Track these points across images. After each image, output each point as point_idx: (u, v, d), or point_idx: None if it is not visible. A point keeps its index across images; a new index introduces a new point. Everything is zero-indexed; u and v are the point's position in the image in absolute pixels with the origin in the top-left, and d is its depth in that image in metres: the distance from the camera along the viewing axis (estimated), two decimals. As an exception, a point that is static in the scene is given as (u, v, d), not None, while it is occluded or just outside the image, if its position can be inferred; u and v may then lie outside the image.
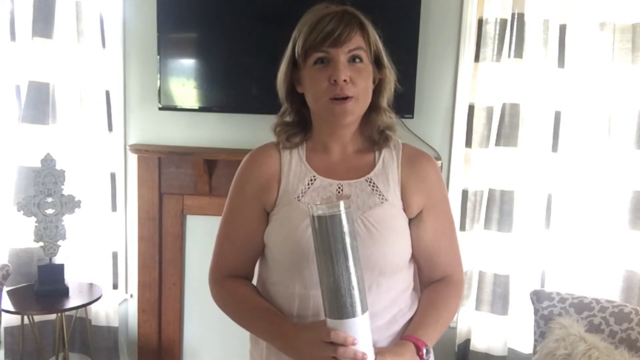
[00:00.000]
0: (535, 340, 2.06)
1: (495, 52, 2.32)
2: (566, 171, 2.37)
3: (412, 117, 2.33)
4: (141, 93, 2.51)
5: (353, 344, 0.96)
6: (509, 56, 2.31)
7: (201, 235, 2.56)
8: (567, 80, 2.31)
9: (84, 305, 2.25)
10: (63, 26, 2.33)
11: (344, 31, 1.08)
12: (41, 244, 2.26)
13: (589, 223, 2.39)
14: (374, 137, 1.19)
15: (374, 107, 1.18)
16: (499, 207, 2.37)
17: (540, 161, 2.38)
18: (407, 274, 1.19)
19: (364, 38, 1.12)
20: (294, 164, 1.18)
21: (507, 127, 2.34)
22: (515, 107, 2.33)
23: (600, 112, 2.32)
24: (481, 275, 2.44)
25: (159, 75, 2.39)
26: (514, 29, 2.28)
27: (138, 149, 2.46)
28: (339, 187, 1.15)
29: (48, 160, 2.24)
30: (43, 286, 2.26)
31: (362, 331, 0.97)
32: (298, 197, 1.14)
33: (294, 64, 1.15)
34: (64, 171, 2.28)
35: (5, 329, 2.36)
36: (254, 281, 1.25)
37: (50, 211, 2.26)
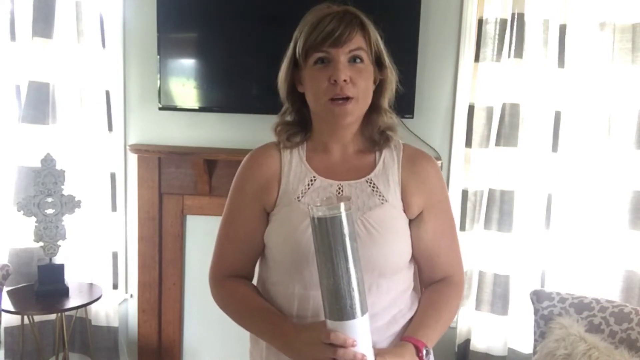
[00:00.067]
0: (535, 340, 2.06)
1: (495, 52, 2.32)
2: (566, 171, 2.37)
3: (412, 117, 2.33)
4: (141, 93, 2.51)
5: (353, 345, 0.96)
6: (509, 56, 2.31)
7: (201, 235, 2.56)
8: (567, 80, 2.31)
9: (84, 305, 2.25)
10: (63, 26, 2.33)
11: (344, 31, 1.08)
12: (41, 244, 2.26)
13: (589, 223, 2.39)
14: (374, 138, 1.19)
15: (374, 108, 1.17)
16: (499, 207, 2.37)
17: (540, 161, 2.38)
18: (407, 274, 1.19)
19: (365, 38, 1.12)
20: (294, 164, 1.18)
21: (507, 127, 2.34)
22: (515, 107, 2.33)
23: (600, 112, 2.32)
24: (481, 275, 2.44)
25: (159, 75, 2.39)
26: (514, 29, 2.28)
27: (138, 149, 2.46)
28: (339, 188, 1.15)
29: (48, 160, 2.24)
30: (43, 286, 2.26)
31: (362, 333, 0.97)
32: (298, 197, 1.14)
33: (294, 64, 1.15)
34: (64, 171, 2.28)
35: (5, 329, 2.36)
36: (254, 281, 1.26)
37: (50, 211, 2.26)
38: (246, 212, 1.18)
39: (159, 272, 2.58)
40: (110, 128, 2.43)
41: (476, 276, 2.45)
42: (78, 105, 2.40)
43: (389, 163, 1.19)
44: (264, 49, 2.31)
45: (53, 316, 2.39)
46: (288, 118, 1.22)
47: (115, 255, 2.53)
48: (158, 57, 2.38)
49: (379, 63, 1.16)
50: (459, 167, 2.46)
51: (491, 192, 2.39)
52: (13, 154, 2.34)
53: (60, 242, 2.29)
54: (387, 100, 1.18)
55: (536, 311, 2.06)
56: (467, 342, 2.49)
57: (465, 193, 2.44)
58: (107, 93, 2.41)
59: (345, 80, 1.08)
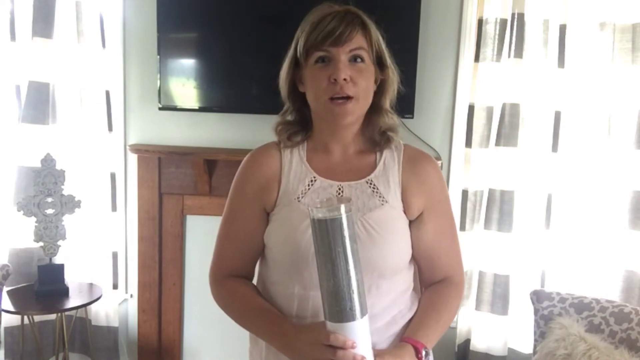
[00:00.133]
0: (535, 340, 2.06)
1: (495, 52, 2.32)
2: (566, 171, 2.37)
3: (412, 117, 2.33)
4: (141, 93, 2.51)
5: (352, 347, 0.96)
6: (509, 56, 2.31)
7: (201, 235, 2.56)
8: (567, 80, 2.31)
9: (84, 305, 2.25)
10: (63, 26, 2.33)
11: (345, 30, 1.08)
12: (41, 244, 2.26)
13: (589, 223, 2.39)
14: (375, 138, 1.19)
15: (375, 108, 1.17)
16: (499, 207, 2.37)
17: (540, 161, 2.38)
18: (407, 275, 1.19)
19: (366, 38, 1.11)
20: (295, 164, 1.18)
21: (507, 127, 2.34)
22: (515, 107, 2.33)
23: (600, 112, 2.32)
24: (481, 275, 2.44)
25: (159, 75, 2.39)
26: (514, 29, 2.28)
27: (138, 149, 2.46)
28: (339, 189, 1.15)
29: (48, 160, 2.24)
30: (43, 286, 2.26)
31: (362, 334, 0.97)
32: (298, 198, 1.14)
33: (296, 63, 1.15)
34: (64, 171, 2.28)
35: (5, 329, 2.36)
36: (254, 280, 1.25)
37: (50, 211, 2.26)
38: (246, 212, 1.18)
39: (159, 272, 2.58)
40: (110, 128, 2.43)
41: (476, 276, 2.45)
42: (78, 105, 2.40)
43: (390, 164, 1.18)
44: (264, 49, 2.31)
45: (53, 316, 2.39)
46: (289, 118, 1.22)
47: (115, 255, 2.53)
48: (158, 57, 2.38)
49: (380, 63, 1.15)
50: (459, 167, 2.46)
51: (491, 192, 2.39)
52: (13, 154, 2.34)
53: (60, 242, 2.29)
54: (388, 100, 1.18)
55: (536, 311, 2.06)
56: (467, 342, 2.49)
57: (465, 193, 2.44)
58: (107, 93, 2.41)
59: (345, 79, 1.08)
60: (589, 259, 2.39)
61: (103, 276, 2.46)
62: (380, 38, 1.15)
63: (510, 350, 2.47)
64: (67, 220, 2.31)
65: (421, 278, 1.24)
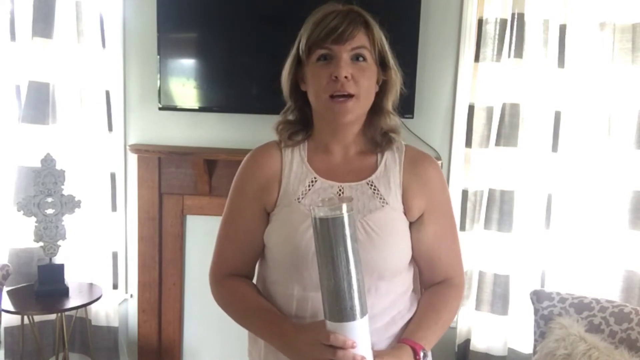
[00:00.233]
0: (535, 340, 2.06)
1: (495, 52, 2.32)
2: (566, 171, 2.37)
3: (412, 117, 2.33)
4: (141, 93, 2.51)
5: (352, 347, 0.96)
6: (509, 56, 2.31)
7: (201, 235, 2.56)
8: (567, 80, 2.31)
9: (84, 305, 2.25)
10: (63, 26, 2.33)
11: (347, 28, 1.08)
12: (41, 244, 2.26)
13: (589, 223, 2.39)
14: (376, 139, 1.18)
15: (377, 109, 1.17)
16: (499, 207, 2.37)
17: (540, 161, 2.38)
18: (407, 276, 1.19)
19: (369, 37, 1.11)
20: (295, 164, 1.17)
21: (507, 127, 2.33)
22: (515, 107, 2.33)
23: (600, 112, 2.32)
24: (481, 275, 2.44)
25: (159, 75, 2.39)
26: (514, 29, 2.28)
27: (138, 149, 2.46)
28: (340, 190, 1.15)
29: (48, 160, 2.24)
30: (43, 286, 2.26)
31: (362, 334, 0.97)
32: (298, 198, 1.14)
33: (298, 62, 1.15)
34: (64, 171, 2.28)
35: (5, 329, 2.36)
36: (254, 279, 1.25)
37: (50, 211, 2.26)
38: (246, 212, 1.18)
39: (159, 272, 2.58)
40: (110, 128, 2.43)
41: (476, 276, 2.45)
42: (78, 105, 2.40)
43: (391, 165, 1.18)
44: (264, 49, 2.31)
45: (53, 316, 2.39)
46: (290, 117, 1.21)
47: (115, 255, 2.53)
48: (158, 57, 2.38)
49: (383, 64, 1.15)
50: (459, 167, 2.46)
51: (491, 192, 2.39)
52: (13, 154, 2.34)
53: (60, 242, 2.29)
54: (390, 102, 1.17)
55: (536, 311, 2.06)
56: (467, 342, 2.49)
57: (465, 193, 2.44)
58: (107, 93, 2.41)
59: (346, 77, 1.07)
60: (589, 259, 2.39)
61: (103, 276, 2.46)
62: (384, 38, 1.14)
63: (510, 350, 2.47)
64: (67, 220, 2.31)
65: (421, 279, 1.24)
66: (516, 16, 2.27)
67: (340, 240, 0.94)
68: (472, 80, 2.39)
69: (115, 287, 2.53)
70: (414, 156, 1.20)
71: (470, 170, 2.42)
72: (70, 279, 2.38)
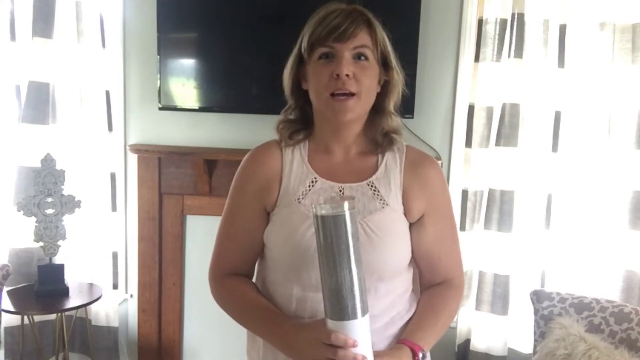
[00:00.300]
0: (535, 340, 2.06)
1: (495, 52, 2.32)
2: (566, 171, 2.37)
3: (412, 117, 2.33)
4: (141, 93, 2.51)
5: (354, 346, 0.95)
6: (509, 56, 2.31)
7: (201, 235, 2.56)
8: (567, 80, 2.31)
9: (84, 305, 2.25)
10: (63, 26, 2.33)
11: (349, 26, 1.07)
12: (41, 244, 2.26)
13: (589, 223, 2.39)
14: (377, 140, 1.18)
15: (378, 109, 1.16)
16: (499, 207, 2.37)
17: (540, 161, 2.38)
18: (406, 277, 1.19)
19: (371, 37, 1.11)
20: (296, 164, 1.17)
21: (507, 127, 2.33)
22: (515, 107, 2.33)
23: (600, 112, 2.32)
24: (481, 275, 2.44)
25: (159, 75, 2.39)
26: (514, 29, 2.28)
27: (138, 149, 2.46)
28: (340, 190, 1.14)
29: (48, 160, 2.24)
30: (43, 286, 2.26)
31: (363, 333, 0.97)
32: (298, 199, 1.13)
33: (300, 60, 1.15)
34: (64, 171, 2.28)
35: (5, 329, 2.36)
36: (254, 279, 1.25)
37: (50, 211, 2.26)
38: (246, 211, 1.18)
39: (159, 272, 2.58)
40: (110, 128, 2.43)
41: (476, 276, 2.45)
42: (78, 105, 2.40)
43: (391, 166, 1.17)
44: (264, 49, 2.31)
45: (53, 316, 2.39)
46: (291, 116, 1.21)
47: (115, 255, 2.53)
48: (158, 57, 2.38)
49: (385, 64, 1.14)
50: (459, 167, 2.46)
51: (491, 192, 2.39)
52: (13, 154, 2.34)
53: (60, 242, 2.29)
54: (392, 102, 1.17)
55: (536, 311, 2.06)
56: (467, 342, 2.49)
57: (465, 193, 2.44)
58: (107, 93, 2.41)
59: (347, 75, 1.07)
60: (589, 259, 2.39)
61: (103, 276, 2.46)
62: (386, 38, 1.14)
63: (510, 350, 2.47)
64: (67, 220, 2.31)
65: (421, 280, 1.24)
66: (516, 16, 2.27)
67: (342, 238, 0.94)
68: (472, 80, 2.39)
69: (115, 287, 2.53)
70: (415, 157, 1.20)
71: (470, 170, 2.42)
72: (70, 279, 2.38)
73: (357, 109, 1.11)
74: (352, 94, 1.08)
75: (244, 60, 2.36)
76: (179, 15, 2.37)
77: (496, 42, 2.31)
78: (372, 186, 1.15)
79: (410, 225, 1.17)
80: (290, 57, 1.17)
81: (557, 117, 2.32)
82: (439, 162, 2.41)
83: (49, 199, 2.25)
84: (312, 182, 1.15)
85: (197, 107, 2.44)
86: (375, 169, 1.17)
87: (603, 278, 2.36)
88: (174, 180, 2.52)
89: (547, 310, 2.03)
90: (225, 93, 2.43)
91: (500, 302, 2.40)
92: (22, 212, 2.21)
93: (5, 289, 2.21)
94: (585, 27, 2.30)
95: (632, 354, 1.82)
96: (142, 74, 2.49)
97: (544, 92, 2.33)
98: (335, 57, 1.08)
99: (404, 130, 2.41)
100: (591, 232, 2.38)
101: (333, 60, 1.08)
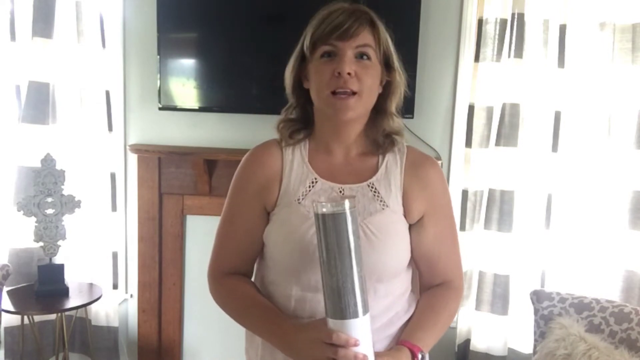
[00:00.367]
0: (535, 340, 2.06)
1: (495, 52, 2.32)
2: (566, 171, 2.37)
3: (412, 117, 2.33)
4: (141, 93, 2.51)
5: (356, 345, 0.95)
6: (509, 56, 2.31)
7: (201, 235, 2.56)
8: (567, 80, 2.31)
9: (84, 305, 2.25)
10: (63, 26, 2.33)
11: (352, 25, 1.07)
12: (41, 244, 2.26)
13: (589, 223, 2.39)
14: (378, 141, 1.18)
15: (380, 110, 1.16)
16: (499, 207, 2.37)
17: (540, 161, 2.38)
18: (405, 277, 1.19)
19: (374, 36, 1.11)
20: (296, 164, 1.17)
21: (507, 127, 2.33)
22: (515, 107, 2.33)
23: (600, 112, 2.32)
24: (481, 275, 2.44)
25: (159, 75, 2.39)
26: (514, 29, 2.28)
27: (138, 149, 2.46)
28: (340, 191, 1.14)
29: (48, 160, 2.24)
30: (43, 286, 2.26)
31: (364, 332, 0.97)
32: (298, 199, 1.13)
33: (302, 59, 1.14)
34: (64, 171, 2.28)
35: (5, 329, 2.36)
36: (252, 278, 1.25)
37: (50, 211, 2.26)
38: (246, 210, 1.17)
39: (159, 272, 2.58)
40: (110, 128, 2.43)
41: (476, 276, 2.45)
42: (78, 105, 2.40)
43: (392, 167, 1.17)
44: (264, 49, 2.31)
45: (53, 316, 2.39)
46: (291, 115, 1.21)
47: (115, 255, 2.53)
48: (158, 57, 2.38)
49: (387, 65, 1.14)
50: (459, 167, 2.46)
51: (491, 192, 2.39)
52: (13, 154, 2.34)
53: (60, 242, 2.29)
54: (394, 104, 1.17)
55: (536, 311, 2.06)
56: (467, 342, 2.49)
57: (465, 193, 2.44)
58: (107, 93, 2.41)
59: (349, 74, 1.06)
60: (589, 259, 2.39)
61: (103, 276, 2.46)
62: (389, 39, 1.14)
63: (510, 350, 2.47)
64: (67, 220, 2.31)
65: (420, 281, 1.24)
66: (516, 16, 2.27)
67: (343, 236, 0.94)
68: (472, 80, 2.39)
69: (115, 287, 2.53)
70: (416, 158, 1.20)
71: (470, 170, 2.42)
72: (70, 279, 2.38)
73: (358, 108, 1.11)
74: (353, 93, 1.08)
75: (244, 60, 2.36)
76: (179, 15, 2.37)
77: (496, 42, 2.31)
78: (372, 187, 1.14)
79: (411, 226, 1.16)
80: (292, 56, 1.16)
81: (557, 117, 2.33)
82: (439, 162, 2.41)
83: (49, 199, 2.25)
84: (313, 182, 1.15)
85: (197, 107, 2.44)
86: (375, 170, 1.17)
87: (603, 278, 2.36)
88: (174, 180, 2.52)
89: (547, 310, 2.03)
90: (225, 93, 2.43)
91: (500, 302, 2.40)
92: (22, 212, 2.21)
93: (5, 289, 2.21)
94: (585, 27, 2.30)
95: (632, 354, 1.82)
96: (142, 74, 2.49)
97: (544, 92, 2.33)
98: (338, 55, 1.08)
99: (405, 130, 2.41)
100: (591, 232, 2.38)
101: (335, 59, 1.08)
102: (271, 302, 1.15)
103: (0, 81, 2.36)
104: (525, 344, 2.43)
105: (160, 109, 2.42)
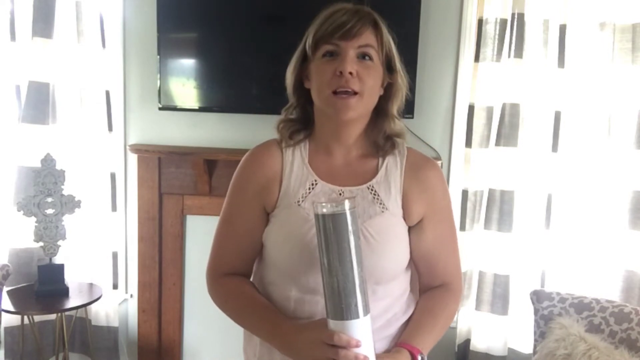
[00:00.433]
0: (535, 340, 2.06)
1: (495, 52, 2.32)
2: (566, 171, 2.37)
3: (412, 117, 2.33)
4: (141, 93, 2.51)
5: (357, 345, 0.95)
6: (509, 56, 2.31)
7: (201, 235, 2.56)
8: (567, 80, 2.31)
9: (84, 305, 2.25)
10: (63, 26, 2.33)
11: (355, 25, 1.07)
12: (41, 244, 2.26)
13: (589, 223, 2.39)
14: (379, 143, 1.17)
15: (381, 112, 1.16)
16: (499, 207, 2.37)
17: (540, 161, 2.38)
18: (404, 279, 1.19)
19: (377, 37, 1.10)
20: (296, 165, 1.16)
21: (507, 127, 2.34)
22: (515, 107, 2.33)
23: (600, 112, 2.32)
24: (481, 275, 2.44)
25: (159, 75, 2.39)
26: (514, 29, 2.28)
27: (138, 149, 2.46)
28: (340, 193, 1.14)
29: (48, 160, 2.24)
30: (43, 286, 2.26)
31: (365, 333, 0.97)
32: (298, 201, 1.13)
33: (304, 58, 1.14)
34: (64, 171, 2.28)
35: (5, 329, 2.36)
36: (251, 279, 1.25)
37: (50, 211, 2.26)
38: (246, 210, 1.17)
39: (159, 272, 2.58)
40: (110, 128, 2.43)
41: (476, 276, 2.45)
42: (78, 105, 2.40)
43: (392, 169, 1.17)
44: (264, 49, 2.31)
45: (53, 316, 2.39)
46: (292, 115, 1.20)
47: (115, 255, 2.53)
48: (158, 57, 2.38)
49: (389, 67, 1.14)
50: (459, 167, 2.46)
51: (491, 192, 2.39)
52: (13, 154, 2.34)
53: (60, 242, 2.29)
54: (395, 106, 1.16)
55: (536, 311, 2.05)
56: (467, 342, 2.49)
57: (465, 193, 2.44)
58: (107, 93, 2.41)
59: (351, 73, 1.06)
60: (589, 259, 2.39)
61: (103, 276, 2.46)
62: (392, 41, 1.14)
63: (510, 350, 2.47)
64: (67, 220, 2.31)
65: (420, 282, 1.24)
66: (516, 16, 2.27)
67: (344, 236, 0.94)
68: (472, 80, 2.39)
69: (115, 287, 2.53)
70: (416, 160, 1.19)
71: (470, 170, 2.42)
72: (70, 279, 2.38)
73: (359, 108, 1.10)
74: (354, 93, 1.07)
75: (244, 60, 2.36)
76: (179, 15, 2.37)
77: (496, 42, 2.31)
78: (372, 190, 1.14)
79: (410, 228, 1.16)
80: (294, 55, 1.16)
81: (557, 117, 2.33)
82: (439, 162, 2.41)
83: (49, 199, 2.25)
84: (312, 184, 1.14)
85: (197, 107, 2.44)
86: (375, 172, 1.17)
87: (603, 278, 2.36)
88: (174, 180, 2.52)
89: (547, 310, 2.03)
90: (225, 93, 2.43)
91: (500, 302, 2.40)
92: (22, 212, 2.21)
93: (5, 289, 2.21)
94: (585, 27, 2.30)
95: (632, 354, 1.82)
96: (142, 74, 2.49)
97: (544, 92, 2.33)
98: (340, 54, 1.08)
99: (405, 130, 2.41)
100: (591, 232, 2.38)
101: (337, 58, 1.08)
102: (270, 302, 1.14)
103: (0, 81, 2.36)
104: (525, 344, 2.43)
105: (160, 109, 2.42)
